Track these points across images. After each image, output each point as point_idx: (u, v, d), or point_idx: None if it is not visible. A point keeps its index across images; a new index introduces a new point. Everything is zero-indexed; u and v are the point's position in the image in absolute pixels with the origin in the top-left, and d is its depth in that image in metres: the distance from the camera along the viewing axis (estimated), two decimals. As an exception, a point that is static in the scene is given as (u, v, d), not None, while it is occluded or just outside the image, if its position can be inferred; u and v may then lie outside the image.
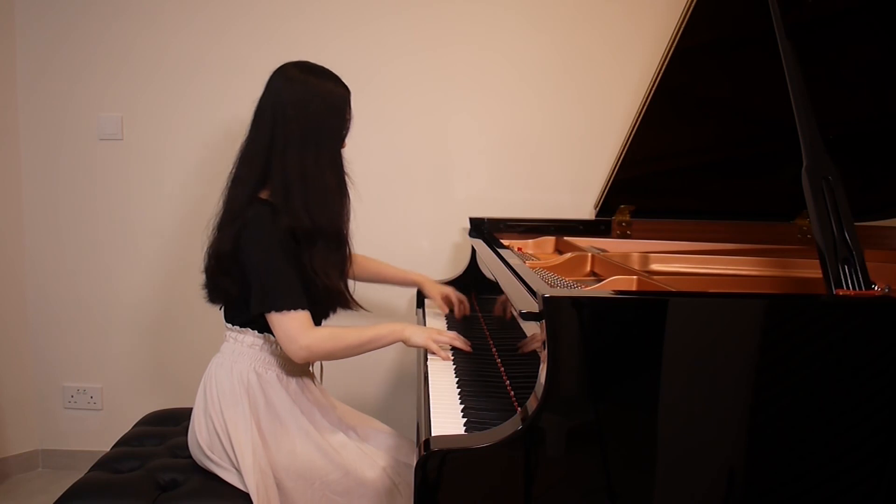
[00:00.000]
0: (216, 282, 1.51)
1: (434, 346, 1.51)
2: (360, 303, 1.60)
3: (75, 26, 2.40)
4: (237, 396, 1.47)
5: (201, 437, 1.48)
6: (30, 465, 2.55)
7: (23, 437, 2.53)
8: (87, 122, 2.43)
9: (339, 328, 1.50)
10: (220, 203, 1.52)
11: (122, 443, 1.67)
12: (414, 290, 2.20)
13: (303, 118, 1.46)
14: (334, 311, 1.56)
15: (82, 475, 1.50)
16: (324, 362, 1.66)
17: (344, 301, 1.55)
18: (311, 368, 1.61)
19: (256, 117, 1.51)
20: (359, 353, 1.52)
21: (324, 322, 1.58)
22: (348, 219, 1.55)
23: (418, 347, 1.54)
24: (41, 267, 2.50)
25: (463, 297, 1.91)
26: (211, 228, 1.52)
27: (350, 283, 1.61)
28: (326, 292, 1.48)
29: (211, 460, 1.47)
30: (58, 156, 2.45)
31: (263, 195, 1.47)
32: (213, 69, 2.39)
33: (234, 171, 1.52)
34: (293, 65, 1.52)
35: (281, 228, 1.42)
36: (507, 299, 1.40)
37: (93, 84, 2.42)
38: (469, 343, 1.54)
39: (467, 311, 1.89)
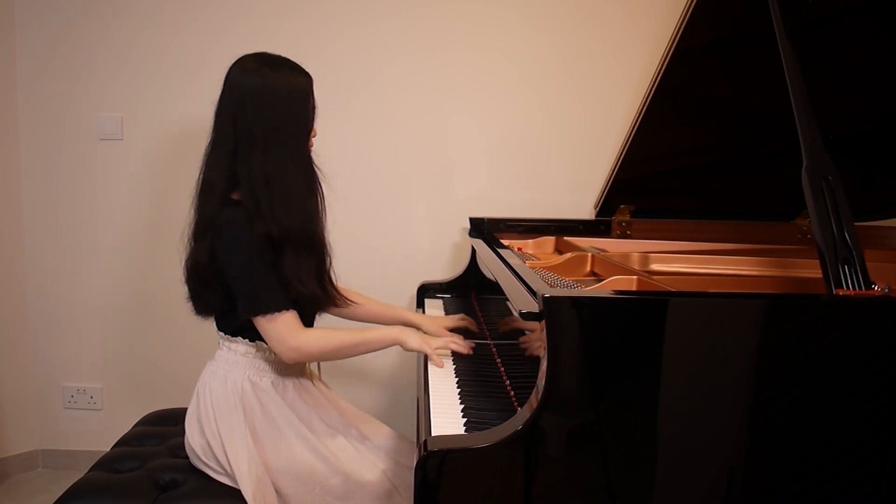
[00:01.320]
0: (199, 294, 1.48)
1: (429, 351, 1.50)
2: (348, 297, 1.59)
3: (75, 26, 2.40)
4: (231, 406, 1.45)
5: (195, 443, 1.47)
6: (30, 465, 2.55)
7: (23, 437, 2.53)
8: (87, 122, 2.43)
9: (331, 329, 1.48)
10: (192, 212, 1.47)
11: (122, 443, 1.67)
12: (413, 291, 2.20)
13: (263, 115, 1.40)
14: (320, 312, 1.54)
15: (82, 475, 1.50)
16: (322, 363, 1.66)
17: (327, 301, 1.52)
18: (308, 367, 1.61)
19: (217, 117, 1.46)
20: (351, 355, 1.51)
21: (316, 320, 1.57)
22: (322, 218, 1.49)
23: (413, 352, 1.54)
24: (41, 267, 2.50)
25: (463, 316, 1.83)
26: (186, 239, 1.48)
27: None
28: (305, 298, 1.43)
29: (207, 465, 1.46)
30: (58, 156, 2.45)
31: (235, 196, 1.43)
32: (213, 69, 2.37)
33: (201, 176, 1.47)
34: (250, 57, 1.46)
35: (255, 232, 1.38)
36: (511, 322, 1.38)
37: (93, 84, 2.42)
38: (469, 346, 1.54)
39: (474, 328, 1.85)
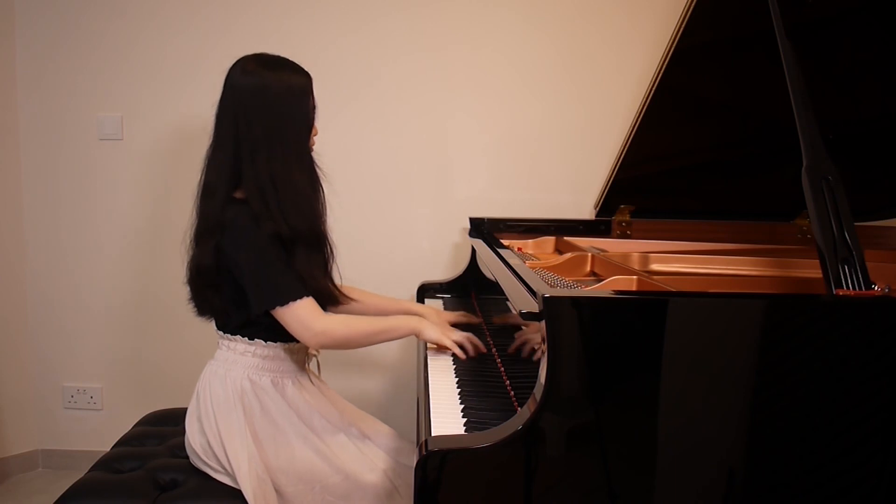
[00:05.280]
0: (202, 295, 1.49)
1: (448, 342, 1.51)
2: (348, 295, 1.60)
3: (75, 26, 2.40)
4: (231, 405, 1.45)
5: (195, 443, 1.48)
6: (30, 465, 2.55)
7: (23, 437, 2.53)
8: (87, 122, 2.43)
9: (352, 316, 1.51)
10: (194, 214, 1.48)
11: (122, 443, 1.67)
12: (413, 291, 2.20)
13: (263, 115, 1.41)
14: (325, 309, 1.55)
15: (82, 475, 1.50)
16: (320, 360, 1.66)
17: (332, 299, 1.53)
18: (307, 366, 1.61)
19: (218, 119, 1.46)
20: (373, 342, 1.53)
21: None
22: (324, 214, 1.51)
23: (431, 342, 1.54)
24: (41, 267, 2.50)
25: (464, 312, 1.84)
26: (188, 241, 1.49)
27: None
28: (314, 294, 1.45)
29: (207, 465, 1.47)
30: (58, 156, 2.45)
31: (238, 195, 1.44)
32: (213, 69, 2.37)
33: (203, 178, 1.48)
34: (249, 58, 1.47)
35: (264, 231, 1.39)
36: (507, 317, 1.38)
37: (93, 84, 2.42)
38: (482, 346, 1.54)
39: (473, 321, 1.86)
